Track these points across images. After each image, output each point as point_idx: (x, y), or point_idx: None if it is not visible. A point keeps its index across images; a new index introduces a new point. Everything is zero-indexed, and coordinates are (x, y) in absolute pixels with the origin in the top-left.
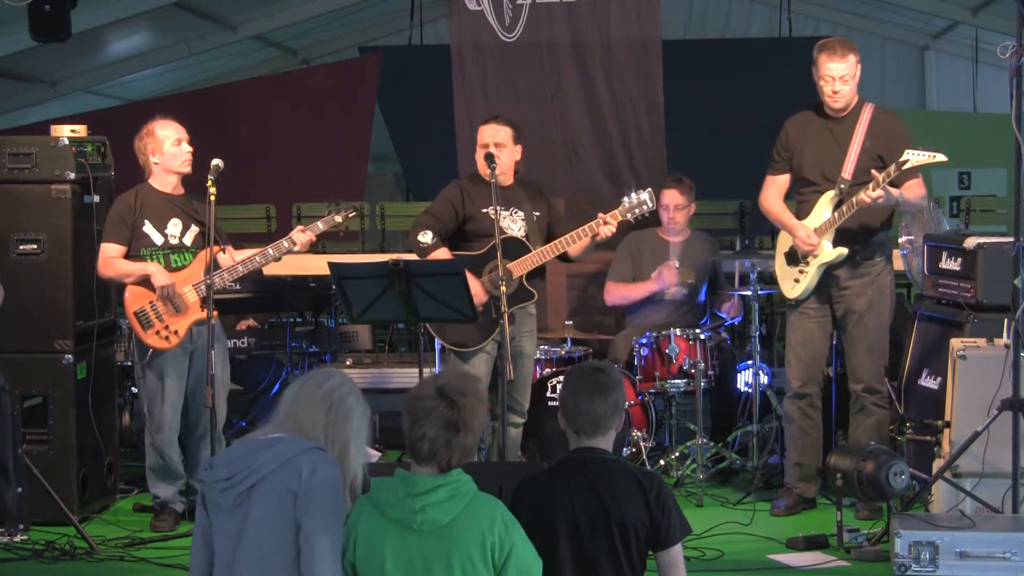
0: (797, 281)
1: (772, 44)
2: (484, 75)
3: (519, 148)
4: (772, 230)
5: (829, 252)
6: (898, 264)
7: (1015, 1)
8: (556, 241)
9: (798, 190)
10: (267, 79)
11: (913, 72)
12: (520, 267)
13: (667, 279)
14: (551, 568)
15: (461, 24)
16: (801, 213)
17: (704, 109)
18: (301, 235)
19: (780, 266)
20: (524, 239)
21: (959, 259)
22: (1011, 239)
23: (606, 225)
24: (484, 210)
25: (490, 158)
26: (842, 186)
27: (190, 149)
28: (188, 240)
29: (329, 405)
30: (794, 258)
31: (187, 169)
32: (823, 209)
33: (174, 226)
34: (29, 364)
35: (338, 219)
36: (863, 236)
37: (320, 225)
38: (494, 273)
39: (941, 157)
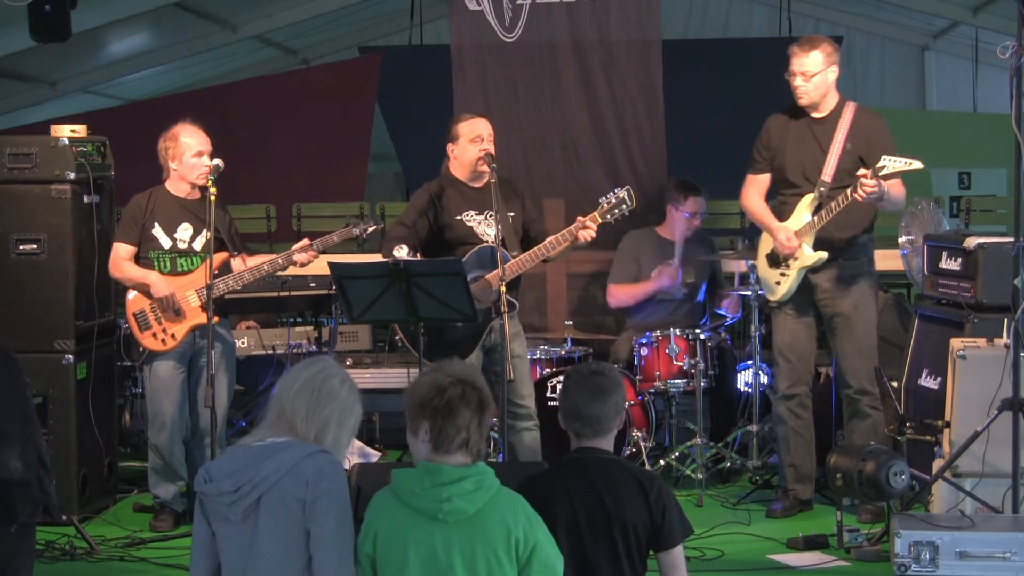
0: (779, 284)
1: (772, 44)
2: (484, 75)
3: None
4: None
5: (809, 256)
6: (898, 264)
7: (1015, 1)
8: (534, 249)
9: (779, 191)
10: (267, 79)
11: (913, 72)
12: (498, 278)
13: (668, 278)
14: None
15: (461, 24)
16: (782, 215)
17: (704, 109)
18: (304, 255)
19: (762, 268)
20: (500, 245)
21: (959, 259)
22: (1011, 239)
23: (586, 229)
24: (458, 217)
25: (491, 158)
26: (822, 189)
27: (209, 164)
28: (198, 245)
29: (311, 390)
30: (775, 260)
31: (202, 182)
32: (803, 212)
33: (184, 231)
34: (29, 364)
35: (355, 232)
36: (846, 239)
37: (335, 237)
38: (482, 281)
39: (918, 164)
